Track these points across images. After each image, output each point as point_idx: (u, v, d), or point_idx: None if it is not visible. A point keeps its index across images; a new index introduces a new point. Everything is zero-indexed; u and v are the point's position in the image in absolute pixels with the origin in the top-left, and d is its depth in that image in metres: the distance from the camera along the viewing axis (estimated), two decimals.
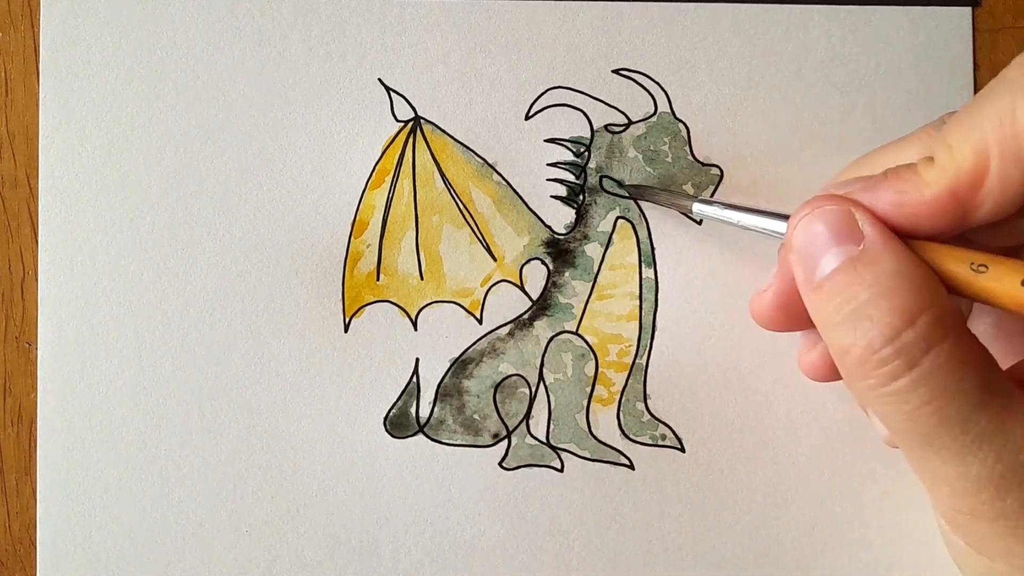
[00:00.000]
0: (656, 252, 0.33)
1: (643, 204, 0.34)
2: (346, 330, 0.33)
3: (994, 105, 0.22)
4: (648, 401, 0.33)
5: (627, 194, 0.33)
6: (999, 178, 0.22)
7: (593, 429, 0.33)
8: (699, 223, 0.34)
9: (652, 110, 0.34)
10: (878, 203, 0.24)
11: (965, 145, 0.22)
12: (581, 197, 0.34)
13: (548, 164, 0.33)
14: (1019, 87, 0.22)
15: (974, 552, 0.24)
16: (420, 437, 0.33)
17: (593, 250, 0.34)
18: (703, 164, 0.33)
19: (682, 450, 0.33)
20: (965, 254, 0.23)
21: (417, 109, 0.33)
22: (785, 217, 0.26)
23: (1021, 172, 0.22)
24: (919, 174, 0.23)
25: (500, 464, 0.33)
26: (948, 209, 0.23)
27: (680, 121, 0.33)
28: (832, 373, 0.27)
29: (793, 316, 0.27)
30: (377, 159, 0.33)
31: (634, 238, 0.33)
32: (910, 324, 0.22)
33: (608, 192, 0.34)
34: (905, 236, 0.23)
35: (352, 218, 0.33)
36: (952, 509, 0.23)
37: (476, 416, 0.33)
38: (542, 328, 0.33)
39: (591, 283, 0.34)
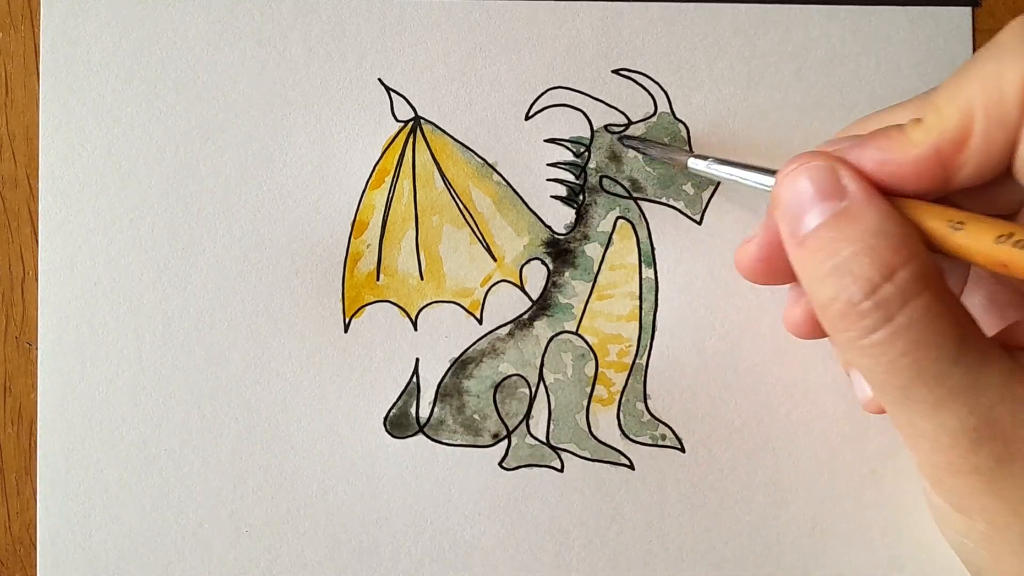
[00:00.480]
0: (656, 252, 0.33)
1: (643, 204, 0.34)
2: (346, 330, 0.33)
3: (982, 67, 0.23)
4: (648, 401, 0.33)
5: (625, 146, 0.33)
6: (983, 139, 0.23)
7: (593, 429, 0.33)
8: (699, 223, 0.34)
9: (652, 110, 0.34)
10: (864, 161, 0.24)
11: (951, 105, 0.23)
12: (581, 197, 0.34)
13: (548, 164, 0.34)
14: (1008, 50, 0.22)
15: (954, 511, 0.24)
16: (420, 437, 0.33)
17: (593, 250, 0.34)
18: None
19: (682, 450, 0.33)
20: (944, 211, 0.23)
21: (417, 109, 0.33)
22: (774, 172, 0.27)
23: (1004, 134, 0.22)
24: (905, 134, 0.24)
25: (500, 464, 0.33)
26: (931, 168, 0.23)
27: (680, 121, 0.34)
28: (813, 329, 0.28)
29: (776, 269, 0.27)
30: (377, 159, 0.33)
31: (634, 238, 0.34)
32: (888, 278, 0.22)
33: (608, 192, 0.34)
34: (889, 194, 0.24)
35: (352, 218, 0.33)
36: (931, 464, 0.24)
37: (476, 416, 0.33)
38: (542, 328, 0.33)
39: (591, 283, 0.34)
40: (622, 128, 0.34)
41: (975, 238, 0.22)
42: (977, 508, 0.24)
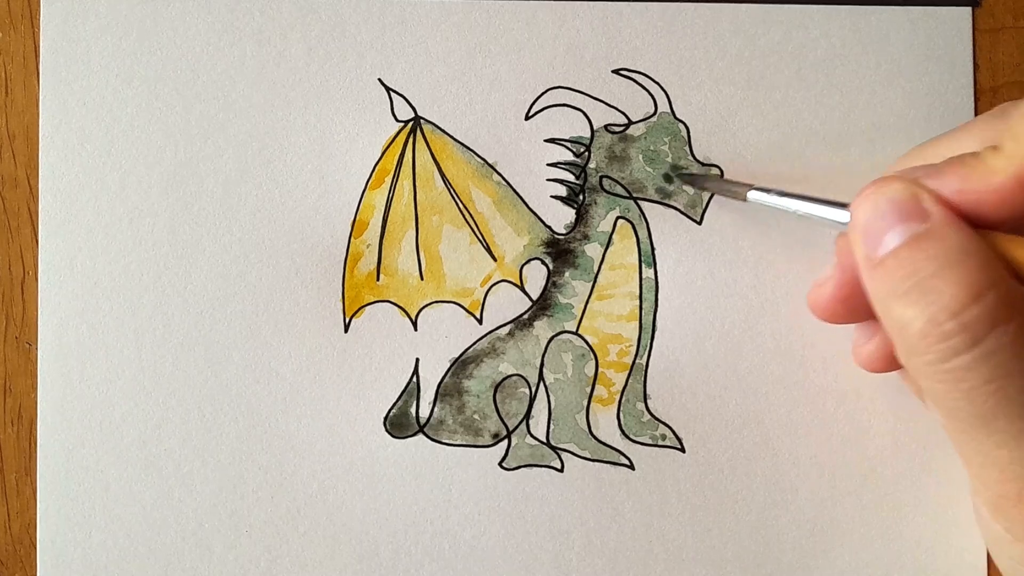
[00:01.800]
0: (656, 252, 0.33)
1: (643, 204, 0.34)
2: (346, 330, 0.33)
3: None
4: (648, 401, 0.33)
5: (677, 181, 0.33)
6: None
7: (593, 429, 0.33)
8: (699, 223, 0.34)
9: (652, 110, 0.34)
10: (943, 188, 0.23)
11: None
12: (581, 197, 0.34)
13: (548, 164, 0.34)
14: None
15: (1014, 539, 0.24)
16: (420, 437, 0.33)
17: (593, 250, 0.34)
18: (703, 164, 0.33)
19: (682, 450, 0.33)
20: None
21: (417, 109, 0.33)
22: (843, 205, 0.26)
23: None
24: (984, 162, 0.23)
25: (500, 464, 0.33)
26: (1014, 197, 0.22)
27: (680, 121, 0.33)
28: (890, 362, 0.27)
29: (853, 306, 0.26)
30: (377, 159, 0.33)
31: (634, 238, 0.33)
32: (976, 299, 0.21)
33: (608, 192, 0.34)
34: (974, 224, 0.23)
35: (352, 218, 0.33)
36: (998, 494, 0.23)
37: (476, 416, 0.33)
38: (542, 328, 0.33)
39: (591, 283, 0.34)
40: (622, 128, 0.34)
41: None
42: None
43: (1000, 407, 0.21)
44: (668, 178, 0.34)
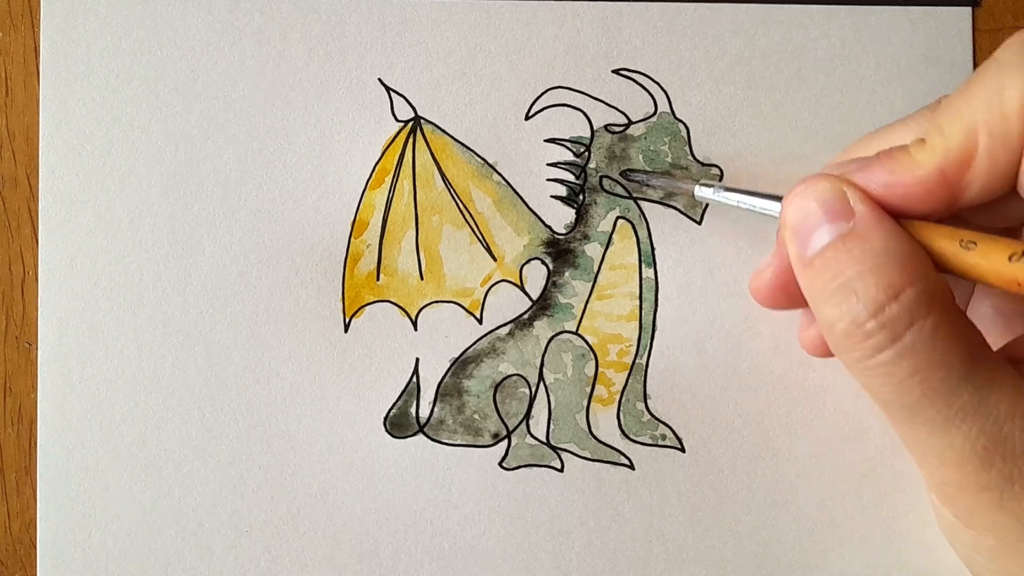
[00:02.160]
0: (656, 252, 0.33)
1: (643, 204, 0.34)
2: (346, 330, 0.33)
3: (984, 86, 0.22)
4: (648, 401, 0.33)
5: (628, 184, 0.33)
6: (987, 158, 0.23)
7: (593, 429, 0.33)
8: (699, 223, 0.34)
9: (652, 110, 0.34)
10: (871, 183, 0.24)
11: (955, 126, 0.23)
12: (581, 197, 0.34)
13: (548, 164, 0.34)
14: (1008, 67, 0.22)
15: (964, 526, 0.24)
16: (420, 437, 0.33)
17: (593, 250, 0.34)
18: (703, 164, 0.33)
19: (682, 450, 0.33)
20: (954, 231, 0.23)
21: (417, 109, 0.33)
22: (779, 198, 0.27)
23: (1009, 152, 0.22)
24: (910, 155, 0.24)
25: (500, 464, 0.33)
26: (938, 189, 0.23)
27: (680, 121, 0.34)
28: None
29: (791, 294, 0.27)
30: (377, 159, 0.33)
31: (634, 238, 0.34)
32: (894, 298, 0.22)
33: (608, 192, 0.34)
34: (897, 215, 0.24)
35: (352, 218, 0.33)
36: (940, 482, 0.24)
37: (476, 416, 0.33)
38: (542, 328, 0.33)
39: (591, 283, 0.34)
40: (622, 128, 0.34)
41: (986, 257, 0.22)
42: (987, 524, 0.24)
43: (926, 397, 0.22)
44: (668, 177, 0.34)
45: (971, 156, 0.23)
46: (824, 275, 0.24)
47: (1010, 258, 0.22)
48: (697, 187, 0.31)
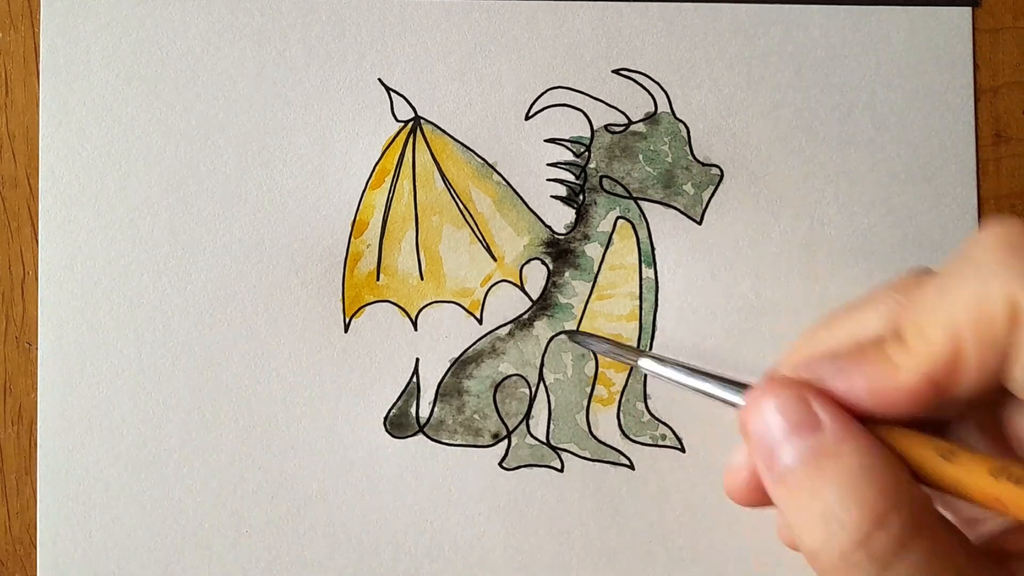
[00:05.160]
0: (656, 252, 0.33)
1: (643, 204, 0.34)
2: (346, 330, 0.33)
3: (964, 287, 0.21)
4: (648, 401, 0.33)
5: (574, 339, 0.33)
6: (976, 363, 0.21)
7: (593, 429, 0.33)
8: (699, 223, 0.34)
9: (652, 110, 0.34)
10: (851, 390, 0.23)
11: (938, 330, 0.22)
12: (581, 197, 0.34)
13: (548, 164, 0.34)
14: (986, 268, 0.21)
15: None
16: (420, 437, 0.33)
17: (593, 250, 0.34)
18: (703, 164, 0.33)
19: (682, 450, 0.33)
20: (933, 442, 0.22)
21: (417, 109, 0.33)
22: (740, 386, 0.24)
23: (997, 355, 0.21)
24: (890, 358, 0.22)
25: (500, 464, 0.33)
26: (925, 396, 0.22)
27: (680, 121, 0.34)
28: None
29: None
30: (377, 159, 0.33)
31: (634, 238, 0.33)
32: (880, 526, 0.21)
33: (608, 192, 0.34)
34: (872, 420, 0.23)
35: (352, 218, 0.33)
36: None
37: (476, 416, 0.33)
38: (542, 328, 0.33)
39: (591, 283, 0.34)
40: (622, 128, 0.34)
41: (968, 471, 0.21)
42: None
43: None
44: (669, 178, 0.34)
45: (957, 360, 0.21)
46: (800, 497, 0.22)
47: (993, 474, 0.21)
48: (642, 359, 0.27)
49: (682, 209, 0.33)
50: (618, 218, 0.34)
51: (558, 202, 0.34)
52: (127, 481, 0.33)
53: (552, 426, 0.33)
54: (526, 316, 0.33)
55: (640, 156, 0.34)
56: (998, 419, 0.24)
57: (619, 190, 0.34)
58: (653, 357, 0.27)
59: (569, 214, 0.34)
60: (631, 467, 0.33)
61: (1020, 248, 0.21)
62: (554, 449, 0.33)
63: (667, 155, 0.33)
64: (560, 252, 0.34)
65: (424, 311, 0.33)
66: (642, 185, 0.34)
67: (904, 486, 0.22)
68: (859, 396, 0.23)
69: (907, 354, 0.22)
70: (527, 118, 0.33)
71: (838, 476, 0.22)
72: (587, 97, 0.33)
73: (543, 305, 0.33)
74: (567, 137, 0.34)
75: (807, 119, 0.34)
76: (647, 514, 0.33)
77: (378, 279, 0.33)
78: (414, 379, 0.33)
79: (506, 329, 0.33)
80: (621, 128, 0.34)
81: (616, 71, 0.34)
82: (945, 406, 0.23)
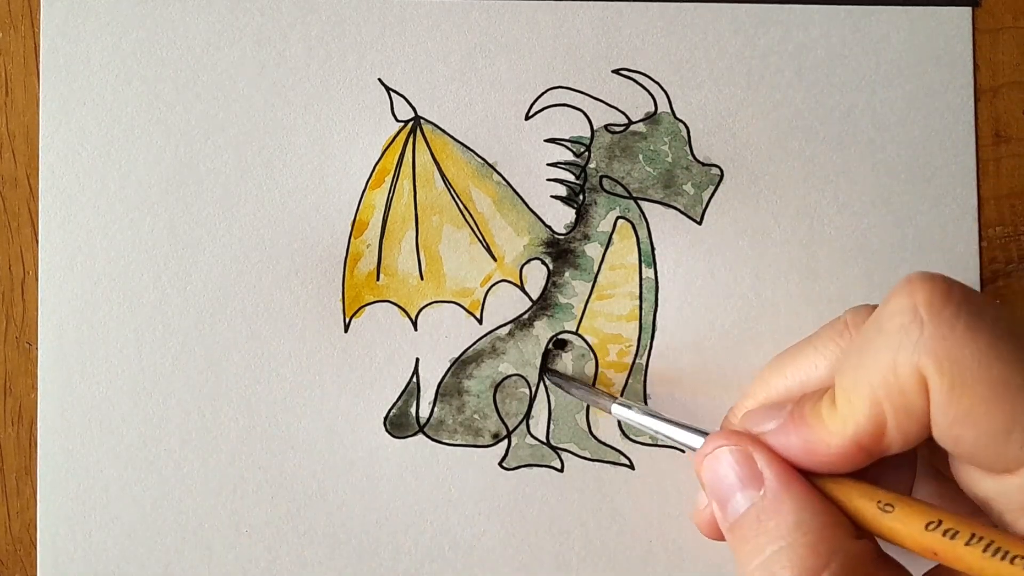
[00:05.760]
0: (656, 252, 0.33)
1: (643, 204, 0.34)
2: (346, 330, 0.33)
3: (876, 360, 0.22)
4: (648, 401, 0.33)
5: (550, 378, 0.33)
6: (897, 430, 0.23)
7: (593, 429, 0.33)
8: (699, 223, 0.34)
9: (652, 110, 0.34)
10: (789, 447, 0.24)
11: (859, 398, 0.23)
12: (581, 197, 0.34)
13: (548, 164, 0.34)
14: (895, 341, 0.22)
15: None
16: (420, 437, 0.33)
17: (593, 250, 0.34)
18: (703, 164, 0.33)
19: (682, 450, 0.33)
20: (873, 492, 0.23)
21: (417, 109, 0.33)
22: (700, 433, 0.27)
23: (918, 422, 0.22)
24: (823, 421, 0.24)
25: (500, 464, 0.33)
26: (854, 457, 0.23)
27: (680, 121, 0.34)
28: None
29: None
30: (377, 159, 0.33)
31: (634, 238, 0.34)
32: None
33: (608, 192, 0.34)
34: (816, 473, 0.24)
35: (352, 218, 0.33)
36: None
37: (476, 416, 0.33)
38: (542, 328, 0.33)
39: (591, 283, 0.34)
40: (622, 128, 0.34)
41: (904, 523, 0.22)
42: None
43: None
44: (669, 178, 0.34)
45: (882, 427, 0.23)
46: (745, 548, 0.24)
47: (927, 526, 0.22)
48: (615, 405, 0.30)
49: (682, 209, 0.33)
50: (618, 218, 0.34)
51: (558, 202, 0.34)
52: (127, 481, 0.33)
53: (552, 426, 0.33)
54: (526, 316, 0.33)
55: (640, 156, 0.34)
56: (946, 453, 0.25)
57: (619, 190, 0.34)
58: (623, 404, 0.30)
59: (569, 214, 0.34)
60: (631, 467, 0.33)
61: (925, 318, 0.22)
62: (554, 449, 0.33)
63: (667, 155, 0.34)
64: (560, 252, 0.34)
65: (424, 311, 0.33)
66: (642, 185, 0.34)
67: (838, 540, 0.23)
68: (797, 455, 0.24)
69: (837, 419, 0.23)
70: (527, 118, 0.33)
71: (776, 532, 0.23)
72: (587, 97, 0.34)
73: (543, 305, 0.33)
74: (567, 137, 0.34)
75: (807, 119, 0.34)
76: (647, 514, 0.33)
77: (378, 279, 0.33)
78: (414, 379, 0.33)
79: (506, 329, 0.33)
80: (621, 128, 0.34)
81: (616, 71, 0.34)
82: (880, 457, 0.24)
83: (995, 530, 0.22)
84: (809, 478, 0.24)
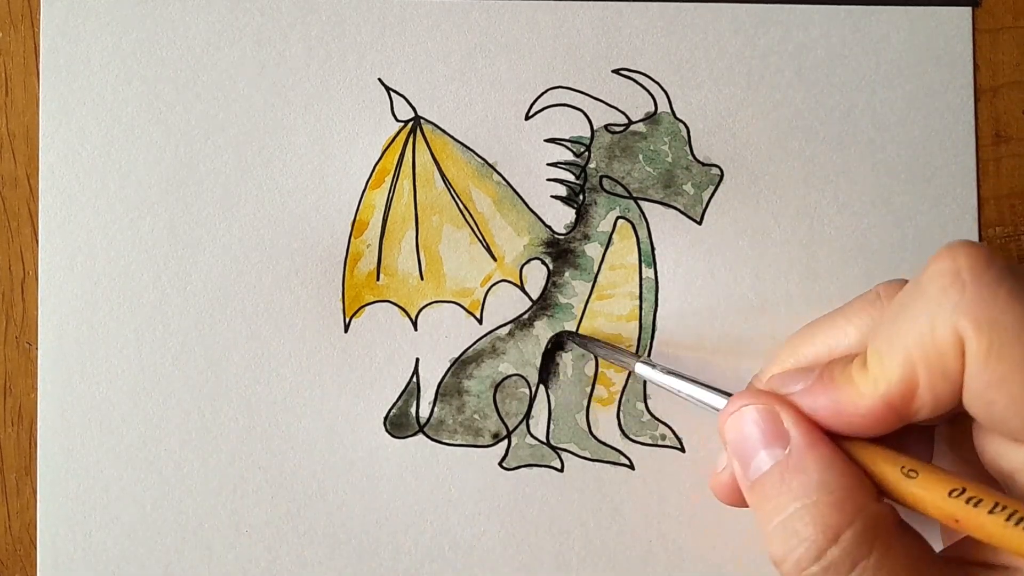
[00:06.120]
0: (656, 252, 0.33)
1: (643, 204, 0.34)
2: (346, 330, 0.33)
3: (915, 320, 0.22)
4: (648, 401, 0.33)
5: (573, 339, 0.33)
6: (930, 391, 0.22)
7: (593, 429, 0.33)
8: (699, 223, 0.34)
9: (652, 110, 0.34)
10: (817, 408, 0.24)
11: (893, 358, 0.23)
12: (581, 197, 0.34)
13: (548, 164, 0.34)
14: (935, 303, 0.22)
15: None
16: (420, 437, 0.33)
17: (593, 250, 0.34)
18: (703, 164, 0.33)
19: (682, 450, 0.33)
20: (897, 458, 0.23)
21: (417, 109, 0.33)
22: (724, 394, 0.27)
23: (951, 384, 0.22)
24: (854, 382, 0.23)
25: (500, 464, 0.33)
26: (885, 419, 0.23)
27: (680, 121, 0.34)
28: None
29: None
30: (377, 159, 0.33)
31: (634, 238, 0.34)
32: (834, 541, 0.22)
33: (608, 192, 0.34)
34: (842, 435, 0.24)
35: (352, 218, 0.33)
36: None
37: (476, 416, 0.33)
38: (542, 328, 0.33)
39: (591, 283, 0.34)
40: (622, 128, 0.34)
41: (927, 489, 0.22)
42: None
43: None
44: (669, 177, 0.34)
45: (914, 388, 0.23)
46: (766, 506, 0.24)
47: (950, 493, 0.22)
48: (638, 364, 0.30)
49: (682, 209, 0.33)
50: (618, 218, 0.34)
51: (558, 202, 0.34)
52: (127, 481, 0.33)
53: (552, 426, 0.33)
54: (526, 316, 0.33)
55: (640, 156, 0.34)
56: (968, 432, 0.25)
57: (619, 190, 0.34)
58: (646, 363, 0.30)
59: (569, 214, 0.34)
60: (631, 467, 0.33)
61: (967, 280, 0.22)
62: (554, 449, 0.33)
63: (667, 155, 0.33)
64: (560, 252, 0.34)
65: (424, 311, 0.33)
66: (642, 185, 0.34)
67: (861, 501, 0.23)
68: (824, 416, 0.24)
69: (868, 379, 0.23)
70: (527, 118, 0.33)
71: (800, 490, 0.23)
72: (587, 97, 0.34)
73: (543, 305, 0.33)
74: (567, 137, 0.34)
75: (807, 119, 0.34)
76: (647, 514, 0.33)
77: (378, 279, 0.33)
78: (414, 379, 0.33)
79: (506, 329, 0.33)
80: (621, 128, 0.34)
81: (616, 71, 0.34)
82: (908, 423, 0.24)
83: (1019, 501, 0.21)
84: (835, 440, 0.24)
